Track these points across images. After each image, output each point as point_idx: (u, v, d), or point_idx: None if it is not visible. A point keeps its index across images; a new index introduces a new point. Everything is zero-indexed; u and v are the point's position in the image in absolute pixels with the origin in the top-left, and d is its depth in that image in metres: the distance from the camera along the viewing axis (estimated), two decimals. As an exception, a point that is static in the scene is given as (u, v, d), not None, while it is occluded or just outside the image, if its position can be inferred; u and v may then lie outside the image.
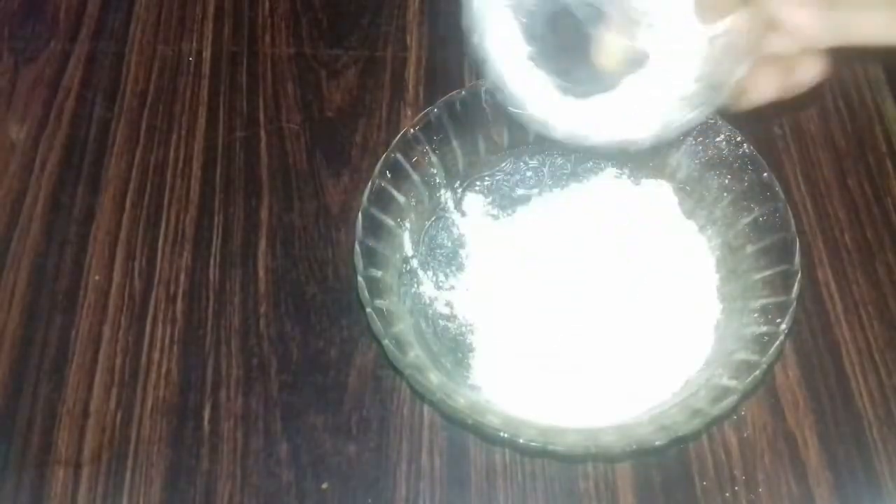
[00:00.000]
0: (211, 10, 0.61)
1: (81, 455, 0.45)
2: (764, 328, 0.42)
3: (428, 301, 0.48)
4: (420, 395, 0.45)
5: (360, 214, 0.44)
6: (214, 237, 0.52)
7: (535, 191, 0.51)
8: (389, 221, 0.46)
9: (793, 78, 0.35)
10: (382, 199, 0.46)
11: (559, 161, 0.51)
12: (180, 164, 0.54)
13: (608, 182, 0.51)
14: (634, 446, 0.39)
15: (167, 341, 0.48)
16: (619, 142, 0.36)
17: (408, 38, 0.60)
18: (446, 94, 0.48)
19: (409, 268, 0.47)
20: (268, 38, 0.60)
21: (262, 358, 0.48)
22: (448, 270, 0.49)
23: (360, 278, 0.42)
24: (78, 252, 0.51)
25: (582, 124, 0.36)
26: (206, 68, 0.59)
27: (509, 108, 0.37)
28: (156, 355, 0.48)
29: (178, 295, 0.50)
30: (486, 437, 0.44)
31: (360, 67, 0.59)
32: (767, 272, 0.44)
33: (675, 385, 0.44)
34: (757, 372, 0.40)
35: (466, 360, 0.46)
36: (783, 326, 0.41)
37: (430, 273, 0.48)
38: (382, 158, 0.46)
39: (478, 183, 0.51)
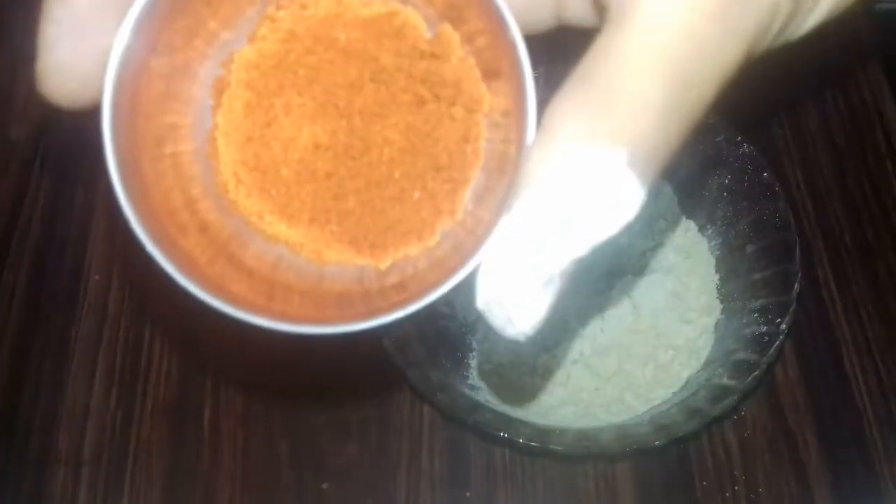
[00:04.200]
0: (211, 10, 0.61)
1: (81, 455, 0.45)
2: (764, 328, 0.42)
3: (428, 301, 0.48)
4: (420, 395, 0.45)
5: (360, 214, 0.44)
6: (214, 237, 0.52)
7: (535, 191, 0.51)
8: (389, 221, 0.46)
9: None
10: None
11: (559, 161, 0.51)
12: (180, 164, 0.54)
13: (608, 182, 0.51)
14: (634, 446, 0.39)
15: (167, 341, 0.48)
16: None
17: (408, 38, 0.60)
18: (446, 94, 0.48)
19: (409, 268, 0.47)
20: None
21: (262, 358, 0.48)
22: (448, 270, 0.49)
23: (360, 278, 0.42)
24: (78, 252, 0.51)
25: None
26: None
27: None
28: (156, 355, 0.48)
29: (178, 294, 0.50)
30: (486, 437, 0.44)
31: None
32: (767, 272, 0.44)
33: (674, 385, 0.44)
34: (757, 372, 0.40)
35: (466, 360, 0.46)
36: (783, 326, 0.41)
37: (430, 273, 0.48)
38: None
39: (478, 183, 0.51)
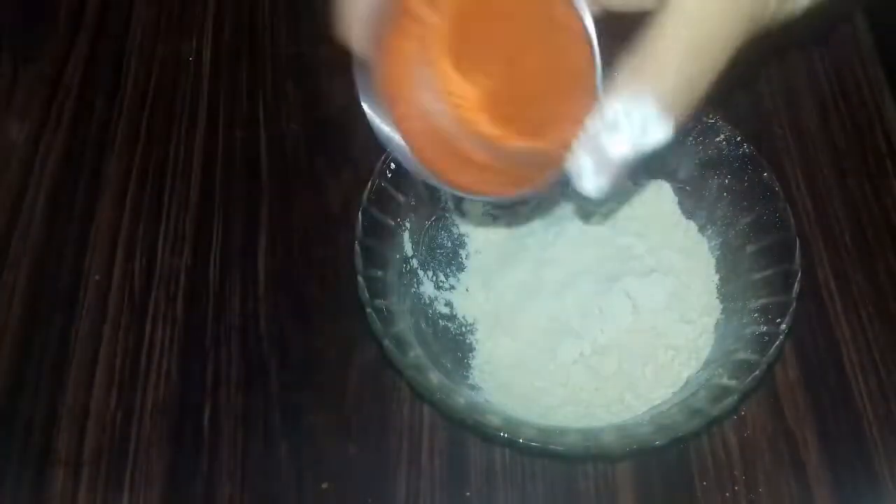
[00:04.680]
0: (211, 10, 0.61)
1: (81, 455, 0.45)
2: (764, 328, 0.42)
3: (428, 301, 0.48)
4: (420, 395, 0.45)
5: (360, 214, 0.44)
6: (214, 237, 0.52)
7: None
8: (389, 221, 0.46)
9: None
10: (382, 199, 0.46)
11: (559, 161, 0.51)
12: (180, 164, 0.54)
13: (608, 182, 0.51)
14: (634, 446, 0.39)
15: (167, 341, 0.48)
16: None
17: (408, 38, 0.60)
18: (446, 94, 0.48)
19: (409, 268, 0.47)
20: (268, 38, 0.60)
21: (262, 358, 0.48)
22: (448, 270, 0.49)
23: (360, 278, 0.42)
24: (78, 252, 0.51)
25: None
26: (206, 68, 0.58)
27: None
28: (156, 355, 0.48)
29: (178, 295, 0.50)
30: (486, 437, 0.44)
31: (360, 67, 0.58)
32: (767, 272, 0.44)
33: (675, 385, 0.44)
34: (757, 372, 0.40)
35: (466, 360, 0.46)
36: (783, 326, 0.41)
37: (430, 273, 0.48)
38: (382, 158, 0.46)
39: (478, 183, 0.51)
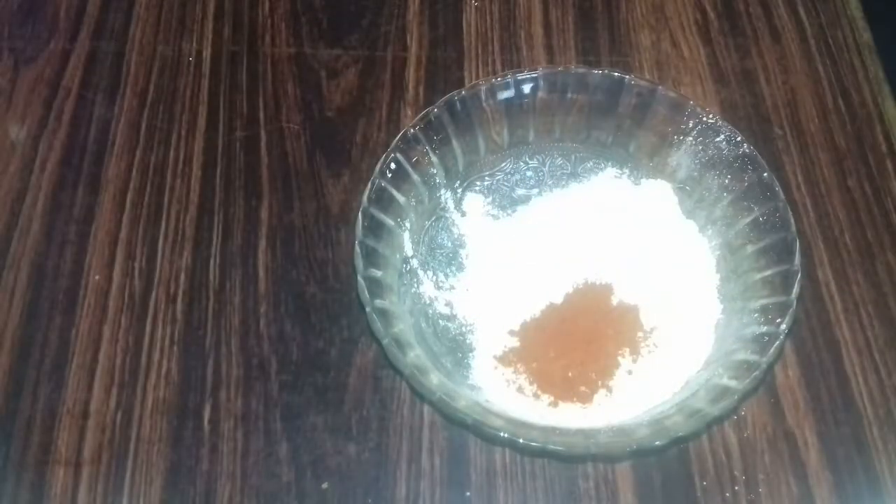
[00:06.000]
0: (211, 10, 0.61)
1: (81, 455, 0.45)
2: (764, 328, 0.42)
3: (428, 301, 0.48)
4: (420, 396, 0.45)
5: (360, 214, 0.44)
6: (214, 237, 0.52)
7: (535, 191, 0.51)
8: (389, 221, 0.46)
9: None
10: (382, 199, 0.46)
11: (559, 161, 0.51)
12: (180, 164, 0.54)
13: (608, 182, 0.51)
14: (634, 446, 0.39)
15: (167, 341, 0.48)
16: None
17: (408, 38, 0.60)
18: (446, 94, 0.48)
19: (409, 268, 0.47)
20: (268, 38, 0.60)
21: (262, 358, 0.48)
22: (448, 270, 0.49)
23: (360, 278, 0.42)
24: (78, 252, 0.51)
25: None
26: (206, 68, 0.59)
27: None
28: (156, 355, 0.48)
29: (178, 295, 0.50)
30: (486, 437, 0.44)
31: (360, 67, 0.59)
32: (767, 272, 0.44)
33: (675, 385, 0.44)
34: (757, 372, 0.40)
35: (466, 360, 0.46)
36: (783, 326, 0.41)
37: (430, 273, 0.48)
38: (382, 158, 0.46)
39: (478, 183, 0.51)
